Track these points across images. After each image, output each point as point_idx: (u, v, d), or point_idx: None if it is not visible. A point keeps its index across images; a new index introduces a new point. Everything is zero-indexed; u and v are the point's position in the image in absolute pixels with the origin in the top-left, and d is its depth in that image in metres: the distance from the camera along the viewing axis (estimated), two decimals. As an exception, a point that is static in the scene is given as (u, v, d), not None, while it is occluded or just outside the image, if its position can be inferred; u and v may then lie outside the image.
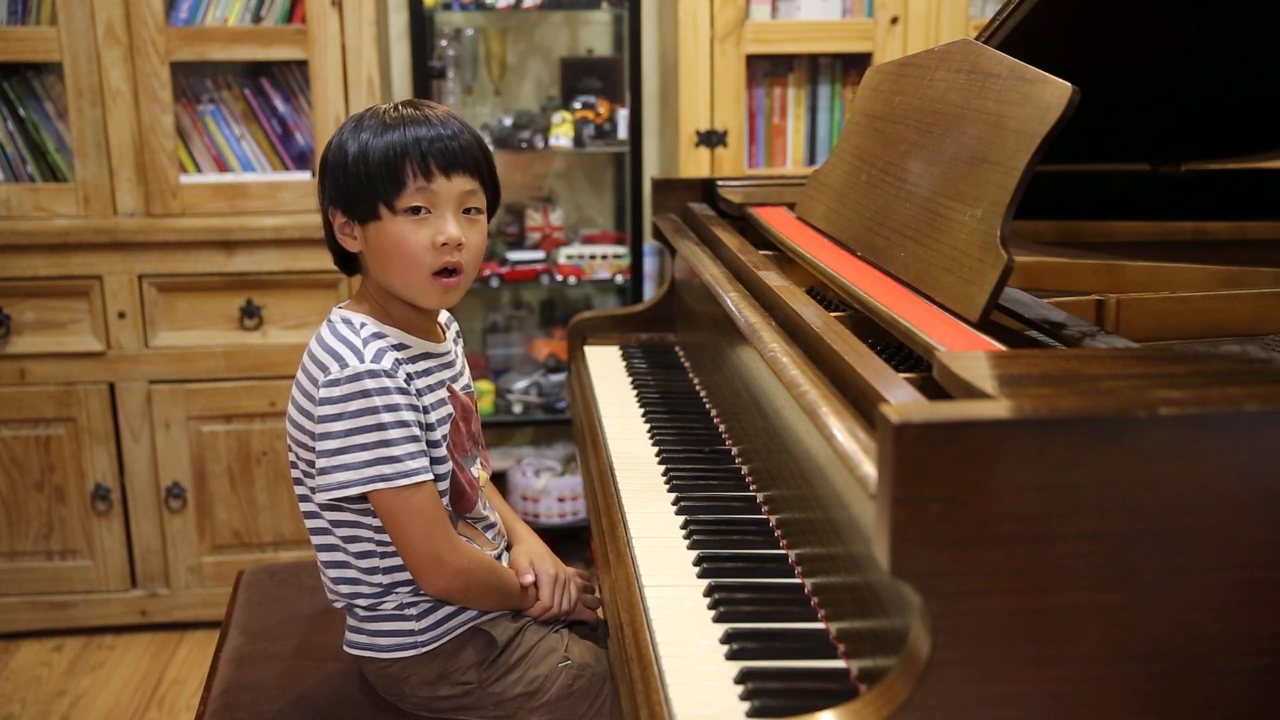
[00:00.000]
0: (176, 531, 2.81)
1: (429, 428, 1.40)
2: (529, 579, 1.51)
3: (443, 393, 1.44)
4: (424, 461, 1.36)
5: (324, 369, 1.36)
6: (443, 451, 1.42)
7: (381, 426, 1.33)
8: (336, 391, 1.34)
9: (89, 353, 2.71)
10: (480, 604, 1.45)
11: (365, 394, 1.33)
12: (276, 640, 1.63)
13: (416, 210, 1.38)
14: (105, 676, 2.66)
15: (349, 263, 1.46)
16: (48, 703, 2.56)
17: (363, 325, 1.40)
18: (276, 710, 1.47)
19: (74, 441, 2.75)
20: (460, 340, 1.59)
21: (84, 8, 2.61)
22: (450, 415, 1.44)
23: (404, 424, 1.34)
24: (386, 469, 1.33)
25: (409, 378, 1.38)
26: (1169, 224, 1.92)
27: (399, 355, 1.39)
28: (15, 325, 2.69)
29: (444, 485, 1.42)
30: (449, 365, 1.48)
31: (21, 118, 2.74)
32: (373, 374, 1.34)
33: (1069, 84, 1.23)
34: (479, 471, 1.52)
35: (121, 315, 2.70)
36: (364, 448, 1.33)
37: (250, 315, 2.75)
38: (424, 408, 1.39)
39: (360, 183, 1.38)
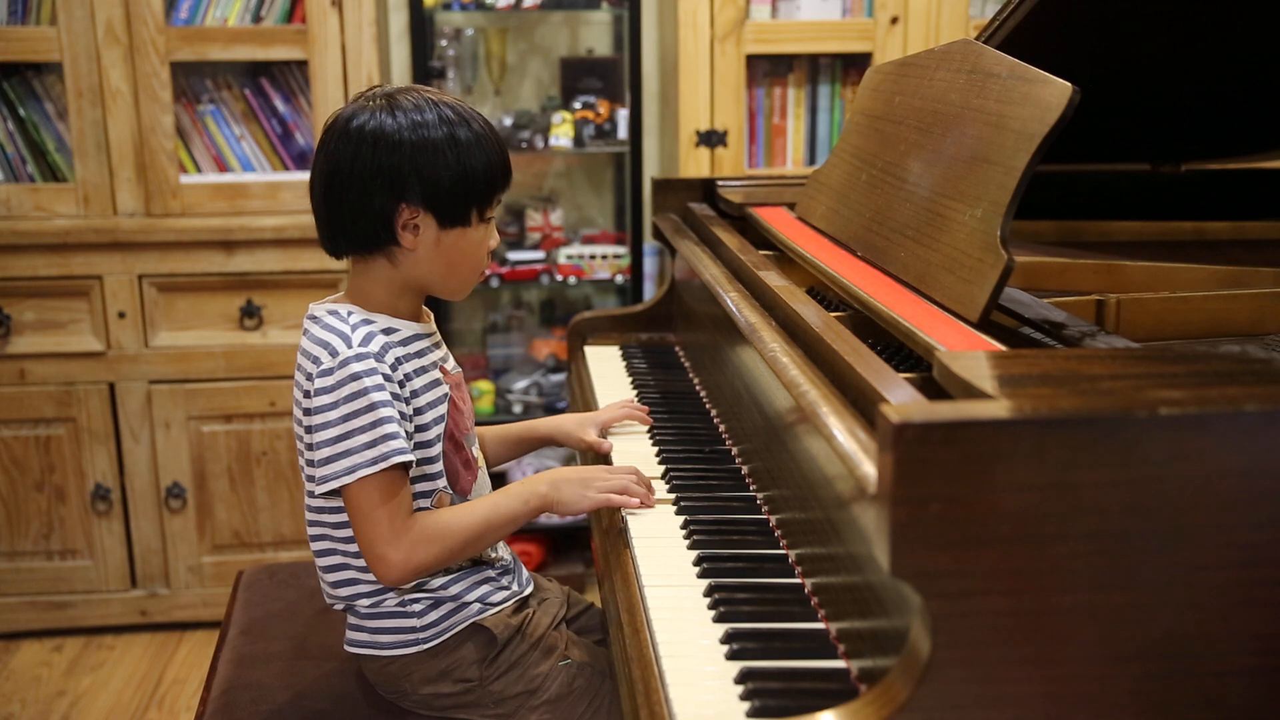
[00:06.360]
0: (176, 531, 2.81)
1: (418, 412, 1.40)
2: (606, 445, 1.66)
3: (435, 374, 1.44)
4: (409, 444, 1.36)
5: (316, 361, 1.37)
6: (430, 436, 1.42)
7: (374, 407, 1.34)
8: (330, 380, 1.35)
9: (89, 353, 2.71)
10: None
11: (355, 377, 1.34)
12: (276, 640, 1.63)
13: (489, 218, 1.44)
14: (105, 676, 2.66)
15: (370, 248, 1.41)
16: (48, 703, 2.56)
17: (350, 314, 1.40)
18: (276, 710, 1.47)
19: (74, 441, 2.75)
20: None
21: (84, 8, 2.61)
22: (446, 395, 1.44)
23: (390, 404, 1.35)
24: (383, 448, 1.33)
25: (397, 362, 1.39)
26: (1169, 224, 1.92)
27: (388, 339, 1.39)
28: (15, 325, 2.69)
29: (436, 468, 1.43)
30: (439, 345, 1.49)
31: (21, 118, 2.74)
32: (360, 358, 1.35)
33: (1069, 84, 1.23)
34: (479, 451, 1.52)
35: (121, 315, 2.70)
36: (362, 430, 1.34)
37: (250, 315, 2.75)
38: (412, 393, 1.40)
39: (460, 190, 1.39)
